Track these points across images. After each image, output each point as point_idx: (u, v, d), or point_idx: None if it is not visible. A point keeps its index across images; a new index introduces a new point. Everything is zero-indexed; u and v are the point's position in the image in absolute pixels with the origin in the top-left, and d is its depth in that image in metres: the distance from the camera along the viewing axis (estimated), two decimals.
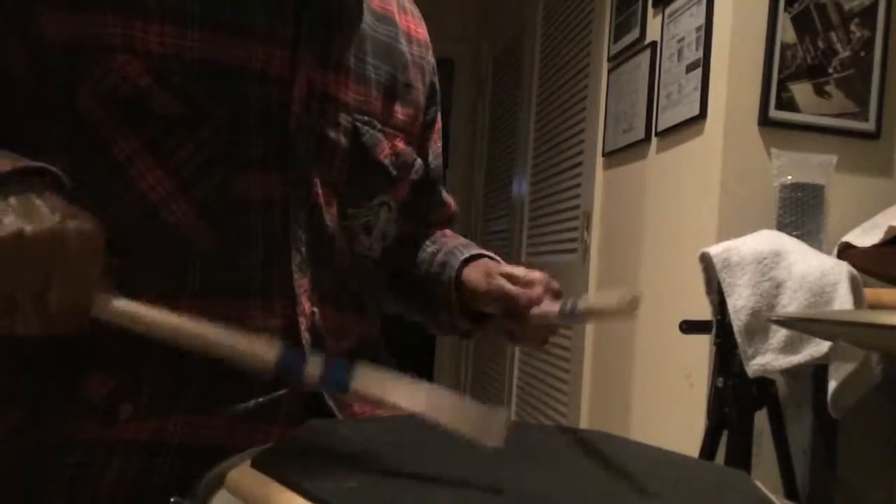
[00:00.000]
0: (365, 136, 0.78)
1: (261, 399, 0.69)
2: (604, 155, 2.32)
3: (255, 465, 0.45)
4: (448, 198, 1.01)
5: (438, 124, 0.95)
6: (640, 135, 2.04)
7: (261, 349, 0.53)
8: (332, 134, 0.75)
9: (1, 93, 0.66)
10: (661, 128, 1.94)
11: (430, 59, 0.92)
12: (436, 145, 0.95)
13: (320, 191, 0.74)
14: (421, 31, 0.91)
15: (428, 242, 0.96)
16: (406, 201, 0.87)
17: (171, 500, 0.45)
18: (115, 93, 0.65)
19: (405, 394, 0.52)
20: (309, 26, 0.72)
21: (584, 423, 2.33)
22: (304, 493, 0.41)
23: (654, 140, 2.00)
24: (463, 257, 0.88)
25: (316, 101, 0.73)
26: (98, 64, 0.64)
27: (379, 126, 0.80)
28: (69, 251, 0.53)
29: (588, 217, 2.41)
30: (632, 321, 2.06)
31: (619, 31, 2.24)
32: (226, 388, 0.67)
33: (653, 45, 2.00)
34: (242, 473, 0.45)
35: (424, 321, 0.97)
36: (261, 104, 0.70)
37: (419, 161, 0.89)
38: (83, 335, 0.64)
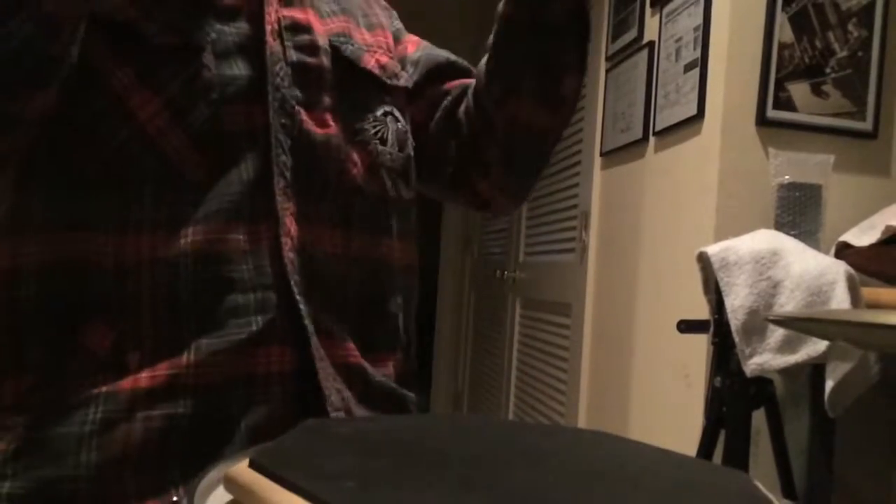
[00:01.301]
0: (346, 51, 0.81)
1: (259, 319, 0.69)
2: (602, 155, 2.33)
3: (253, 464, 0.45)
4: (459, 64, 0.99)
5: (409, 37, 0.96)
6: (638, 134, 2.04)
7: None
8: (310, 60, 0.78)
9: None
10: (658, 127, 1.94)
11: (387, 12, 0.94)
12: (416, 48, 0.95)
13: (305, 115, 0.76)
14: None
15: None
16: (418, 99, 0.90)
17: (172, 500, 0.45)
18: (109, 21, 0.67)
19: None
20: None
21: (581, 423, 2.33)
22: (301, 493, 0.41)
23: (651, 140, 2.00)
24: None
25: (288, 32, 0.77)
26: None
27: (357, 43, 0.83)
28: None
29: (586, 217, 2.41)
30: (630, 322, 2.07)
31: (616, 31, 2.24)
32: (221, 314, 0.68)
33: (650, 44, 2.00)
34: (240, 473, 0.45)
35: (542, 56, 0.86)
36: (237, 38, 0.73)
37: (405, 72, 0.90)
38: (73, 285, 0.66)
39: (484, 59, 0.88)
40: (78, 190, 0.67)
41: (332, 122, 0.78)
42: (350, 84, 0.80)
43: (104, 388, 0.65)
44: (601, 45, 2.35)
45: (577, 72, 0.85)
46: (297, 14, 0.78)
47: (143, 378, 0.65)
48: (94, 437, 0.64)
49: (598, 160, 2.36)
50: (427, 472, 0.48)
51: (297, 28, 0.78)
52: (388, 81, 0.85)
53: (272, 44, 0.75)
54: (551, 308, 2.72)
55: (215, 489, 0.47)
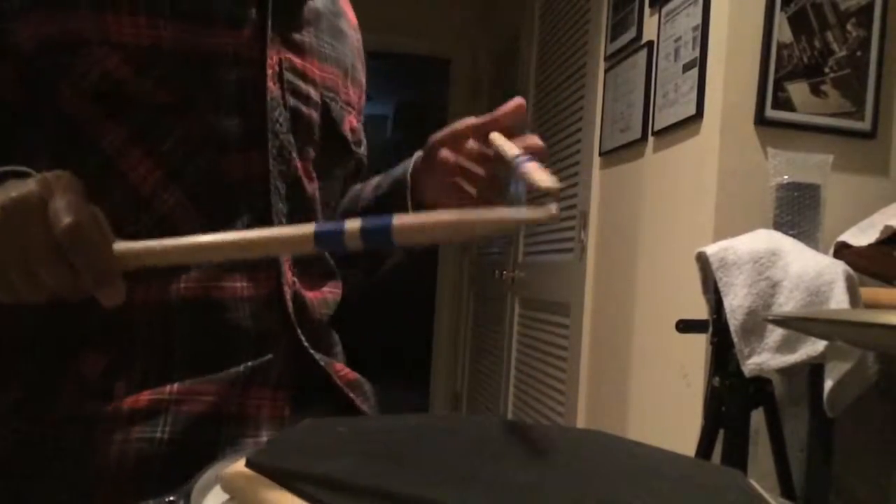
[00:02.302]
0: (334, 111, 0.82)
1: (251, 363, 0.70)
2: (600, 154, 2.33)
3: (250, 464, 0.45)
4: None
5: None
6: (637, 134, 2.04)
7: (295, 231, 0.52)
8: (304, 109, 0.78)
9: None
10: (657, 127, 1.94)
11: (362, 48, 0.96)
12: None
13: (299, 164, 0.77)
14: (353, 16, 0.94)
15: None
16: None
17: (168, 499, 0.45)
18: (98, 87, 0.66)
19: (449, 214, 0.51)
20: (273, 7, 0.75)
21: (580, 423, 2.33)
22: (298, 493, 0.41)
23: (650, 139, 2.00)
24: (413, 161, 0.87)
25: (287, 78, 0.76)
26: (77, 60, 0.66)
27: (341, 102, 0.84)
28: (46, 195, 0.53)
29: (585, 216, 2.41)
30: (629, 321, 2.07)
31: (615, 31, 2.24)
32: (216, 356, 0.69)
33: (649, 44, 2.00)
34: (237, 473, 0.45)
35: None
36: (238, 86, 0.72)
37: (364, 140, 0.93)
38: (74, 314, 0.66)
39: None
40: None
41: (314, 177, 0.80)
42: (329, 142, 0.82)
43: (87, 411, 0.65)
44: (600, 46, 2.35)
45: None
46: (296, 59, 0.78)
47: (126, 402, 0.66)
48: (70, 456, 0.64)
49: (596, 160, 2.36)
50: (424, 472, 0.48)
51: (296, 73, 0.77)
52: (354, 149, 0.87)
53: (272, 88, 0.74)
54: (550, 308, 2.72)
55: (212, 488, 0.47)
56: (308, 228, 0.50)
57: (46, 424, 0.65)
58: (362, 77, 0.92)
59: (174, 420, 0.66)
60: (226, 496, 0.45)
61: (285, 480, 0.43)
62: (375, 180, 0.92)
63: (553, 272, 2.72)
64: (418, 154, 0.85)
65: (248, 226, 0.72)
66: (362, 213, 0.89)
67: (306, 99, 0.78)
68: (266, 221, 0.73)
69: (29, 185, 0.53)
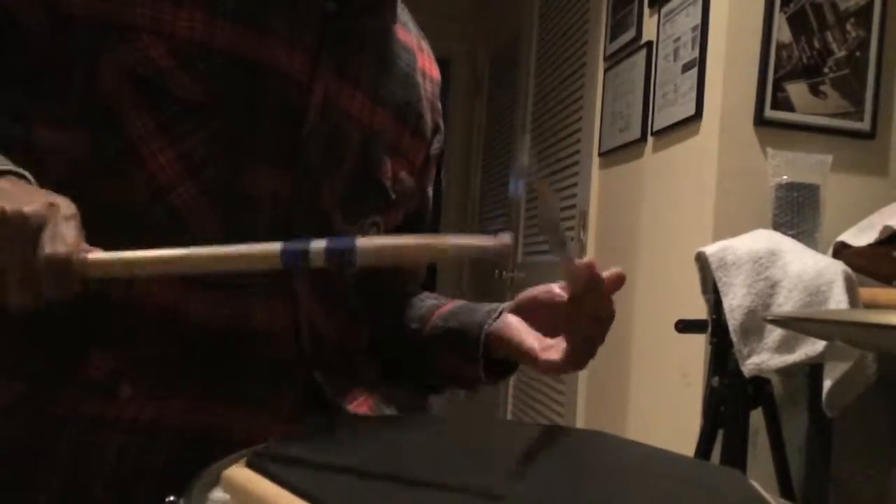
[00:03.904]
0: (372, 153, 0.79)
1: (264, 391, 0.69)
2: (600, 154, 2.33)
3: (251, 464, 0.45)
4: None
5: (435, 169, 0.93)
6: (637, 134, 2.04)
7: (262, 247, 0.54)
8: (340, 146, 0.76)
9: (16, 43, 0.66)
10: (657, 127, 1.94)
11: (439, 102, 0.92)
12: (430, 189, 0.94)
13: (327, 195, 0.75)
14: (435, 71, 0.92)
15: (423, 296, 0.92)
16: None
17: (168, 499, 0.45)
18: (136, 71, 0.66)
19: (411, 239, 0.53)
20: (331, 38, 0.74)
21: (580, 423, 2.33)
22: (299, 493, 0.41)
23: (650, 139, 2.00)
24: (494, 309, 0.82)
25: (332, 111, 0.74)
26: (122, 42, 0.65)
27: (386, 148, 0.81)
28: (47, 219, 0.54)
29: (584, 217, 2.41)
30: (629, 321, 2.07)
31: (615, 31, 2.24)
32: (228, 376, 0.68)
33: (649, 44, 2.00)
34: (238, 473, 0.45)
35: (419, 373, 0.91)
36: (278, 104, 0.70)
37: (418, 194, 0.89)
38: (85, 313, 0.65)
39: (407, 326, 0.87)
40: (93, 230, 0.66)
41: (337, 209, 0.76)
42: (360, 184, 0.78)
43: (90, 410, 0.65)
44: (599, 46, 2.35)
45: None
46: (347, 93, 0.75)
47: (130, 409, 0.65)
48: (66, 460, 0.64)
49: (596, 160, 2.36)
50: (425, 472, 0.48)
51: (341, 110, 0.75)
52: (394, 197, 0.82)
53: (312, 120, 0.72)
54: None
55: (213, 489, 0.47)
56: (275, 246, 0.53)
57: (48, 420, 0.65)
58: (428, 132, 0.88)
59: (177, 436, 0.66)
60: (226, 496, 0.45)
61: (286, 481, 0.43)
62: (448, 308, 0.86)
63: (553, 272, 2.71)
64: (501, 312, 0.79)
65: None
66: (431, 338, 0.84)
67: (346, 137, 0.76)
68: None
69: (36, 205, 0.54)
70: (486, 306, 0.82)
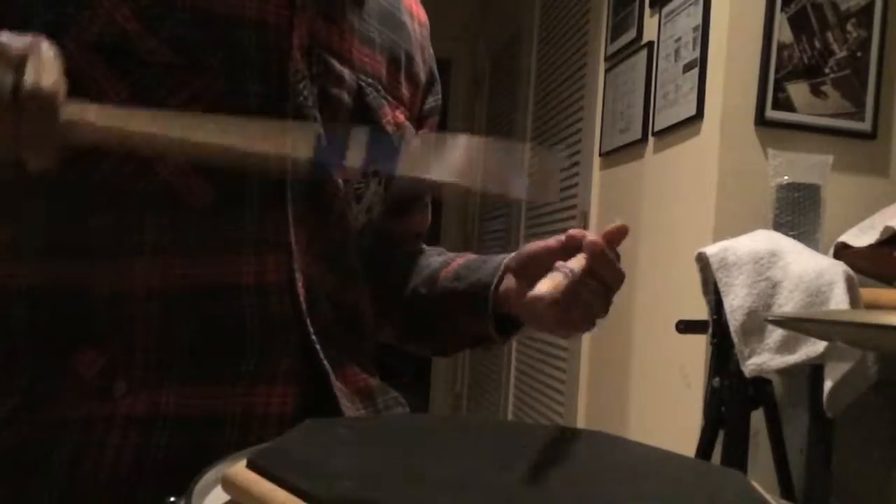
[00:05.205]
0: (369, 97, 0.76)
1: (257, 359, 0.67)
2: (601, 155, 2.33)
3: (251, 464, 0.45)
4: (428, 205, 0.95)
5: (435, 120, 0.91)
6: (637, 135, 2.04)
7: (292, 126, 0.48)
8: (334, 90, 0.73)
9: None
10: (657, 128, 1.94)
11: (430, 47, 0.90)
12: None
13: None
14: (423, 14, 0.89)
15: (428, 253, 0.91)
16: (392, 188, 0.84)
17: (168, 500, 0.45)
18: (101, 39, 0.63)
19: (449, 175, 0.50)
20: None
21: (580, 423, 2.33)
22: (300, 494, 0.41)
23: (650, 140, 2.00)
24: (503, 260, 0.82)
25: (318, 52, 0.71)
26: (84, 7, 0.63)
27: (382, 91, 0.78)
28: (30, 51, 0.52)
29: (585, 217, 2.41)
30: (629, 322, 2.07)
31: (616, 31, 2.24)
32: (219, 352, 0.66)
33: (650, 45, 2.00)
34: (238, 473, 0.45)
35: (433, 335, 0.90)
36: (257, 53, 0.68)
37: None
38: (69, 313, 0.64)
39: (420, 285, 0.87)
40: (76, 214, 0.65)
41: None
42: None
43: (84, 413, 0.64)
44: (600, 46, 2.35)
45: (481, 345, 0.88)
46: (334, 35, 0.73)
47: (124, 405, 0.64)
48: (65, 465, 0.63)
49: (597, 160, 2.36)
50: (425, 472, 0.48)
51: (330, 50, 0.72)
52: (396, 144, 0.80)
53: (297, 60, 0.69)
54: None
55: (213, 489, 0.47)
56: (308, 129, 0.46)
57: (43, 427, 0.64)
58: (422, 74, 0.86)
59: (174, 425, 0.64)
60: (226, 496, 0.45)
61: (286, 481, 0.43)
62: (454, 268, 0.85)
63: None
64: (507, 264, 0.80)
65: (261, 206, 0.67)
66: (441, 300, 0.84)
67: (338, 79, 0.73)
68: (280, 201, 0.68)
69: (23, 38, 0.52)
70: (491, 263, 0.83)
